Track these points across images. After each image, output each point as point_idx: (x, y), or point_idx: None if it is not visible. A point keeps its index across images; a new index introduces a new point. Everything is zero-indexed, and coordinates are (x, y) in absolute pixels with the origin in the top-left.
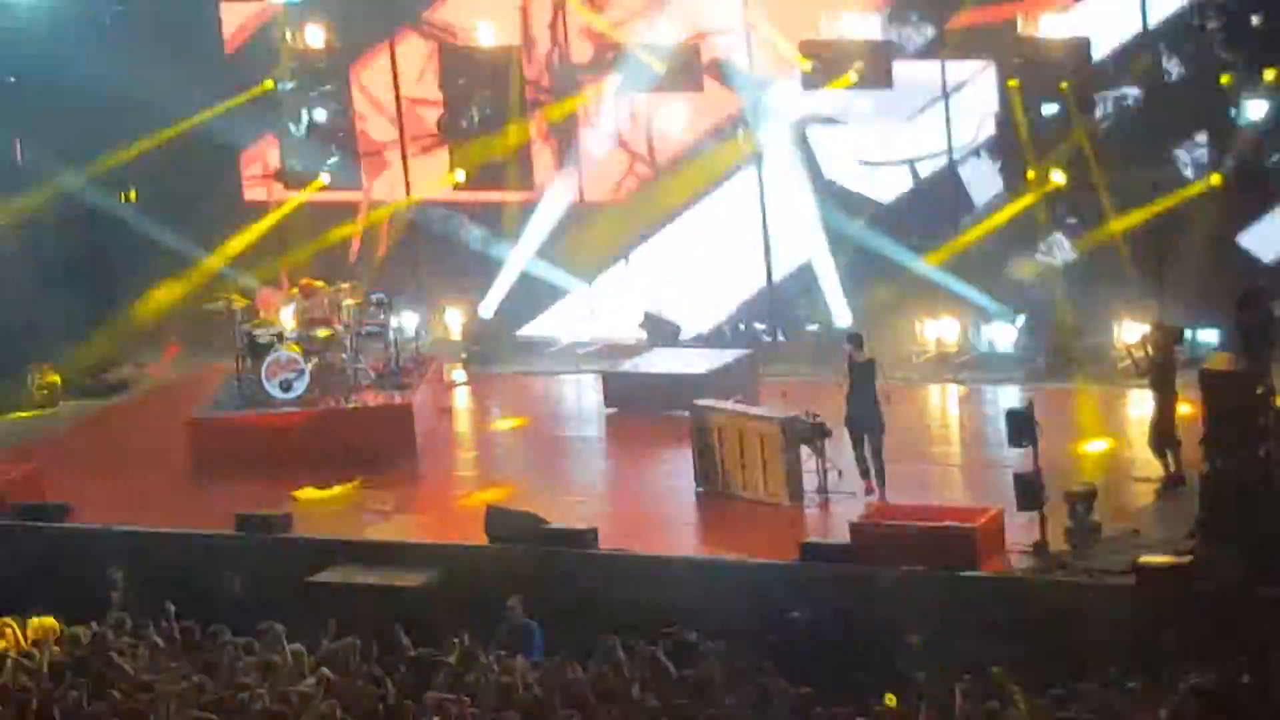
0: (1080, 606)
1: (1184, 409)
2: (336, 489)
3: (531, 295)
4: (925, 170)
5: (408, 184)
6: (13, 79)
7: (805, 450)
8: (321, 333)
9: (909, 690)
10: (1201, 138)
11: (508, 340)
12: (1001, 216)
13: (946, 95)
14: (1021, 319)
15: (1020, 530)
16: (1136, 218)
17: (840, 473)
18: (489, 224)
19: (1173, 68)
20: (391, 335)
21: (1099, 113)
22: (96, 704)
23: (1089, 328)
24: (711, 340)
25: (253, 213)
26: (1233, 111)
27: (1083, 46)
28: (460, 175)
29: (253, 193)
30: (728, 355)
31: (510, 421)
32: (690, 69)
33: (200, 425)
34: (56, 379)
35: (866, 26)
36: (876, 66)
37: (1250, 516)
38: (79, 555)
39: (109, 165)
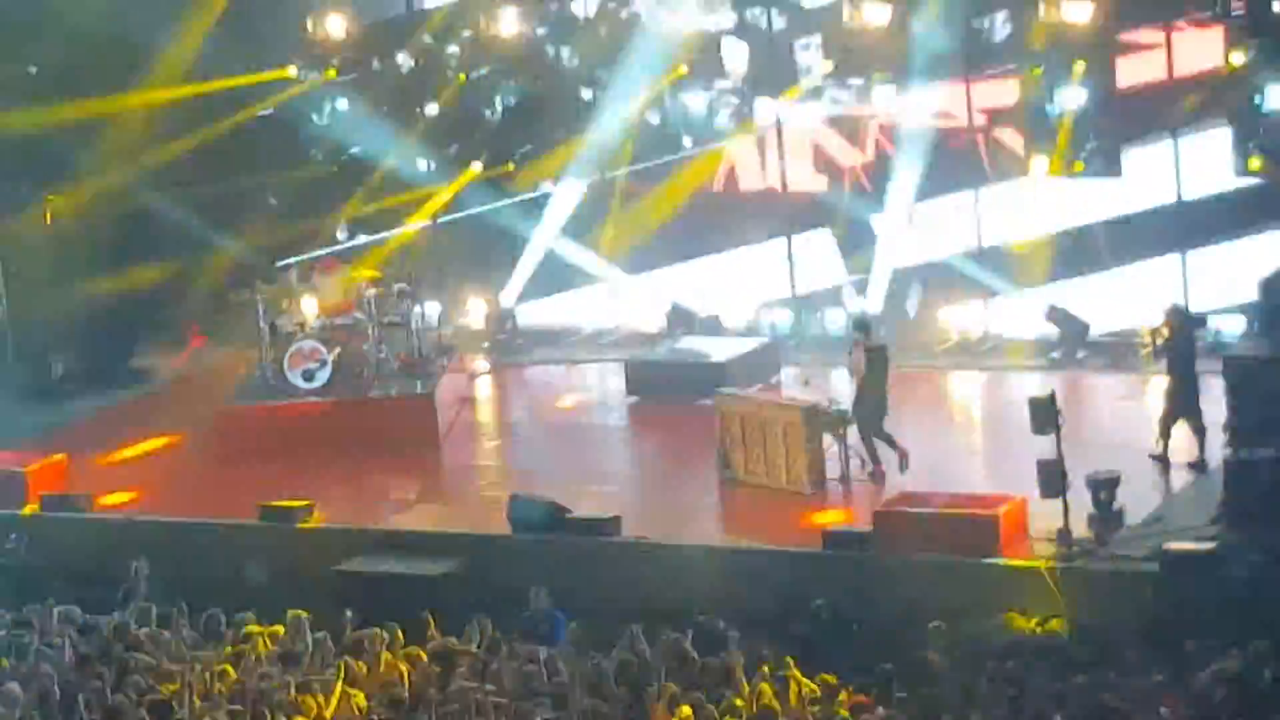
0: (1104, 594)
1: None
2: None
3: (554, 284)
4: None
5: None
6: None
7: (827, 438)
8: (343, 322)
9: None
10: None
11: (530, 329)
12: None
13: None
14: (1047, 306)
15: (1043, 518)
16: None
17: (863, 460)
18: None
19: None
20: (414, 324)
21: None
22: (120, 693)
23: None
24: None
25: None
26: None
27: None
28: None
29: None
30: (751, 343)
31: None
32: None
33: (223, 415)
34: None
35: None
36: None
37: (1275, 503)
38: (105, 545)
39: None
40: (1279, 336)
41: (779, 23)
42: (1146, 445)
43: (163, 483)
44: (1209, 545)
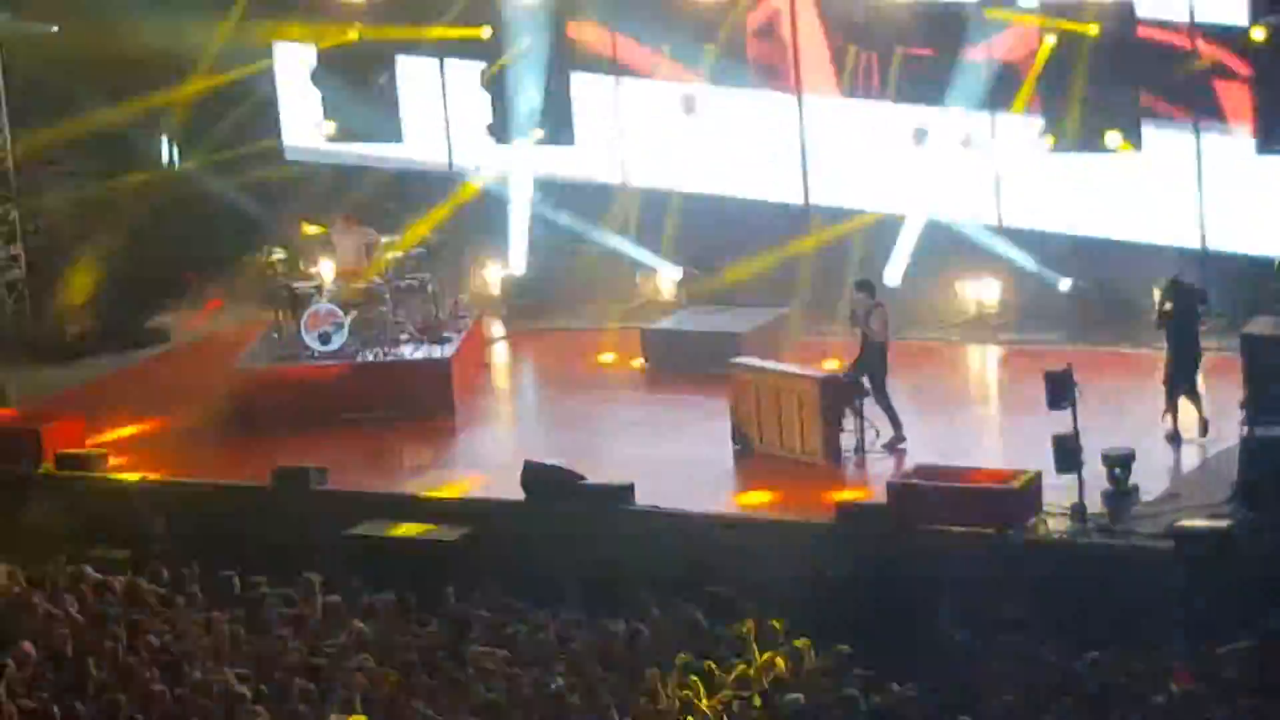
0: (1117, 570)
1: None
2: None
3: (568, 250)
4: None
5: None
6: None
7: (844, 409)
8: (360, 286)
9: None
10: None
11: (546, 295)
12: None
13: None
14: (1068, 281)
15: (1058, 493)
16: None
17: (878, 432)
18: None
19: None
20: (431, 289)
21: None
22: (132, 653)
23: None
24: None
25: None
26: None
27: None
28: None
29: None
30: (767, 313)
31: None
32: None
33: (239, 377)
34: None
35: None
36: None
37: None
38: (119, 505)
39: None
40: None
41: None
42: (1164, 424)
43: (177, 444)
44: (1224, 523)
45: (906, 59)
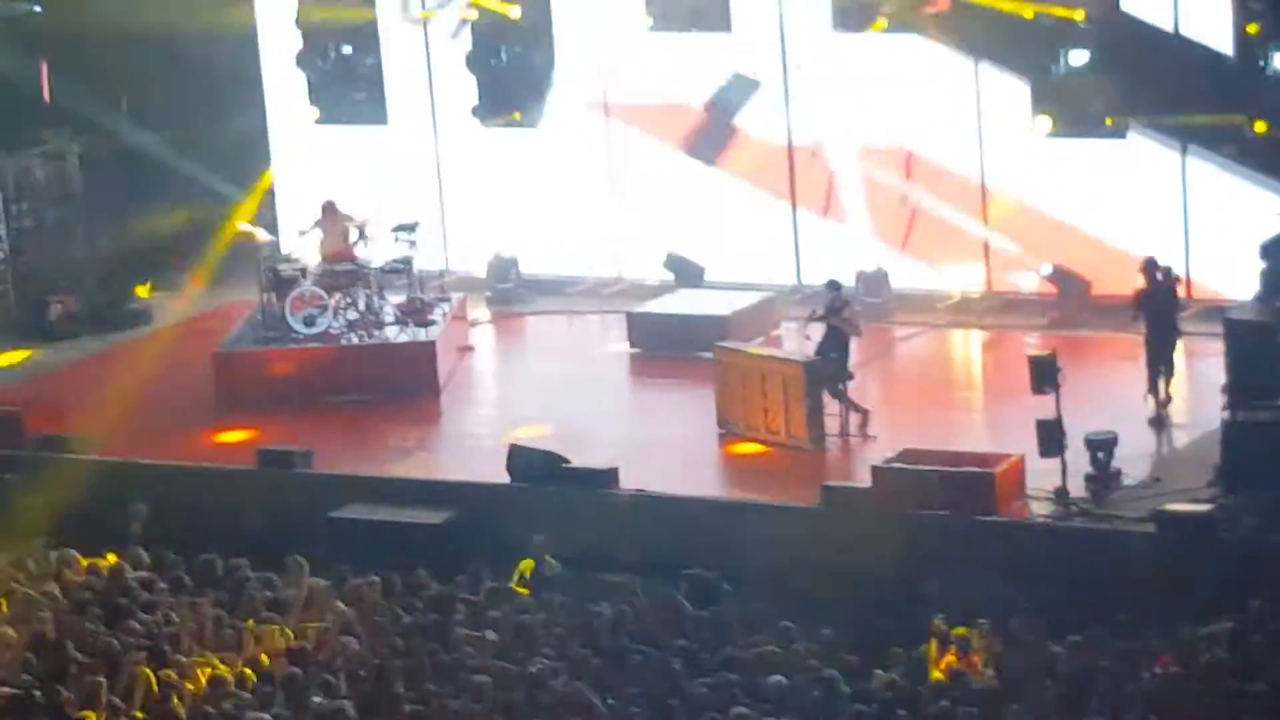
0: (1100, 554)
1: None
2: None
3: (556, 233)
4: None
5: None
6: (38, 8)
7: (827, 393)
8: (345, 267)
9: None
10: None
11: (531, 278)
12: None
13: None
14: (1048, 266)
15: (1041, 476)
16: None
17: (865, 416)
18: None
19: None
20: (415, 271)
21: None
22: (114, 636)
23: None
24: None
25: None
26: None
27: None
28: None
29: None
30: (752, 297)
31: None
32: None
33: (223, 359)
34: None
35: None
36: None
37: (1272, 466)
38: (100, 488)
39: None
40: (1276, 298)
41: None
42: (1145, 406)
43: (159, 425)
44: (1206, 507)
45: None
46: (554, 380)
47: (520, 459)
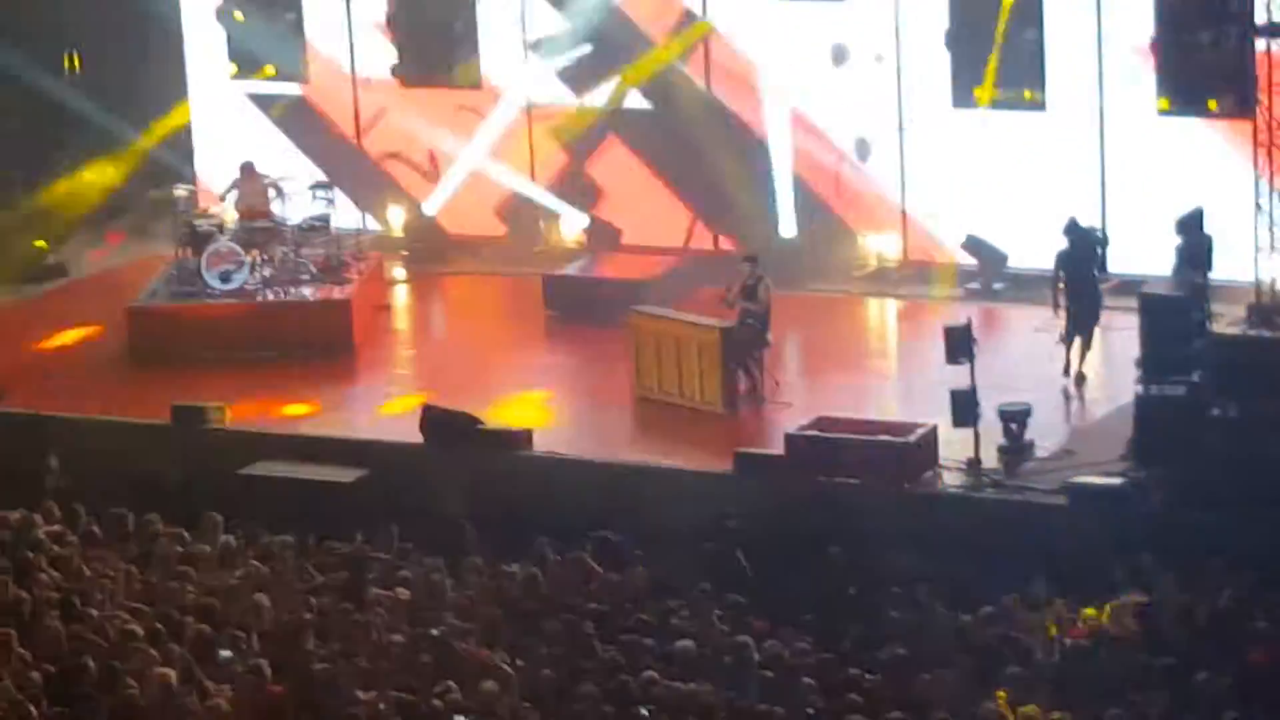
0: (1011, 525)
1: None
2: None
3: (476, 194)
4: None
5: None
6: None
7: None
8: (262, 224)
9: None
10: None
11: (450, 238)
12: None
13: None
14: (964, 236)
15: (954, 446)
16: None
17: (778, 382)
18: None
19: None
20: (332, 229)
21: None
22: (22, 589)
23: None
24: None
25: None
26: None
27: None
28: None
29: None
30: (670, 262)
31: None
32: None
33: (137, 314)
34: None
35: None
36: None
37: (1184, 439)
38: (12, 441)
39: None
40: (1192, 274)
41: None
42: (1060, 378)
43: (73, 379)
44: (1117, 480)
45: None
46: (470, 341)
47: (434, 420)
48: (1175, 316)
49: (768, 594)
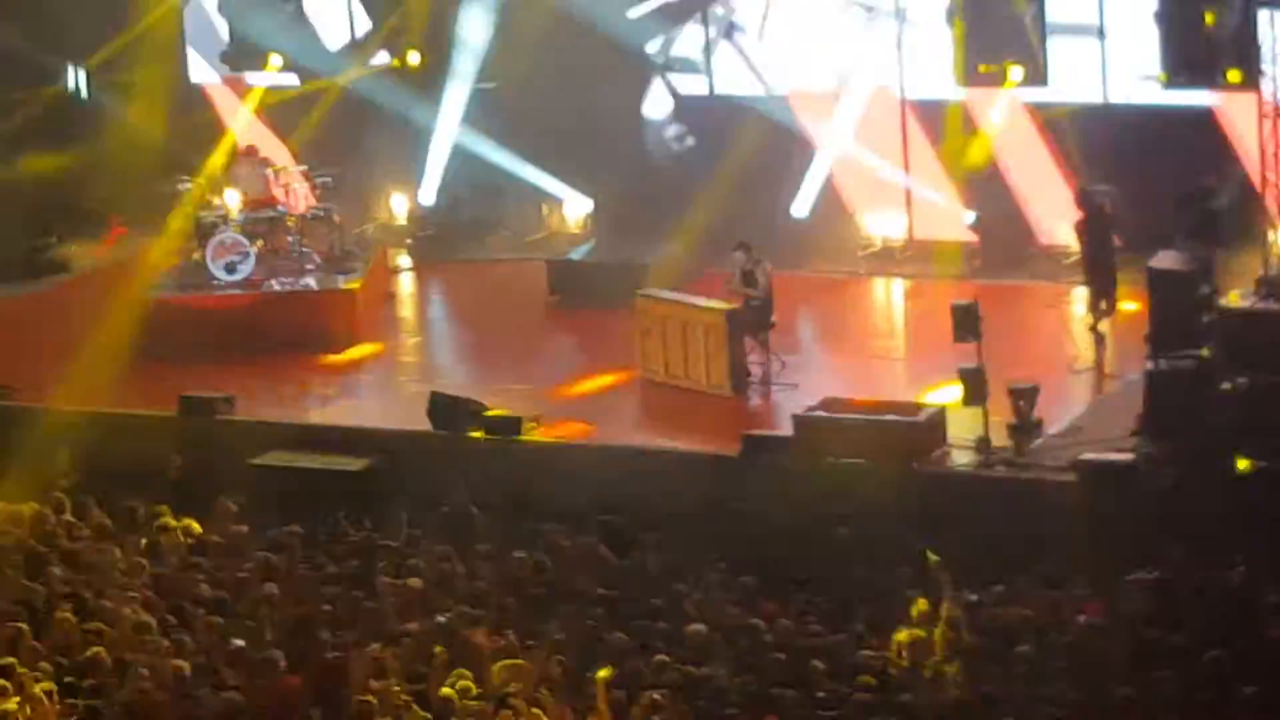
0: (1021, 503)
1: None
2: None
3: (478, 181)
4: None
5: None
6: None
7: (749, 341)
8: (266, 214)
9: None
10: None
11: (454, 226)
12: None
13: None
14: (972, 214)
15: (963, 425)
16: None
17: (784, 364)
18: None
19: None
20: (337, 218)
21: None
22: (34, 583)
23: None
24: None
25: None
26: None
27: None
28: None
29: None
30: (676, 244)
31: None
32: None
33: (144, 307)
34: None
35: None
36: None
37: (1193, 415)
38: (21, 435)
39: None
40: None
41: None
42: (1070, 354)
43: (80, 372)
44: (1127, 456)
45: None
46: (475, 328)
47: (442, 407)
48: (1183, 291)
49: (778, 576)
